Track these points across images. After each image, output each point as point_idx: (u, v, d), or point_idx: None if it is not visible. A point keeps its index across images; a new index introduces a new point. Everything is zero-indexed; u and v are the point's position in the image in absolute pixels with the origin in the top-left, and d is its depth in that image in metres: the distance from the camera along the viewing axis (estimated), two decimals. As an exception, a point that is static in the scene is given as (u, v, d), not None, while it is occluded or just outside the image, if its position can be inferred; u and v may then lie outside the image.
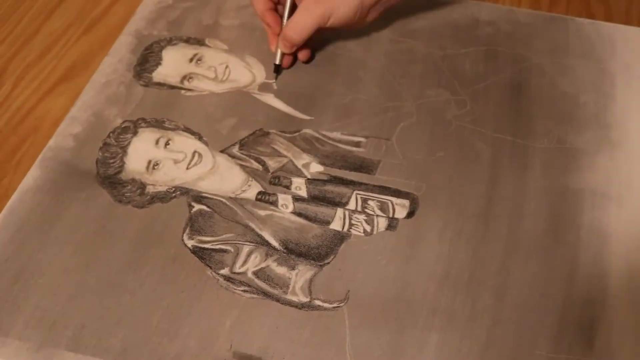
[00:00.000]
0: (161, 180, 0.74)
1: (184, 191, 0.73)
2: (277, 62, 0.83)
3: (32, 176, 0.74)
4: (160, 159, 0.76)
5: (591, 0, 0.97)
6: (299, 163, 0.76)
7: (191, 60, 0.86)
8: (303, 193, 0.73)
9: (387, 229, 0.70)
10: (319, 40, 0.87)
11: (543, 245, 0.69)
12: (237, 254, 0.68)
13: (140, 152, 0.76)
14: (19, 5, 0.97)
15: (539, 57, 0.86)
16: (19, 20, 0.95)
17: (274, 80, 0.84)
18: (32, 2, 0.97)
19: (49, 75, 0.88)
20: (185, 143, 0.77)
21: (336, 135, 0.78)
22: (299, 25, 0.80)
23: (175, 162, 0.75)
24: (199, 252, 0.68)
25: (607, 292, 0.66)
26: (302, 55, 0.84)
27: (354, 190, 0.73)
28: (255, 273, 0.67)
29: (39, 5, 0.97)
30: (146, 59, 0.86)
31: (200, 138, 0.78)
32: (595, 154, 0.76)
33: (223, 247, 0.69)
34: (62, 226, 0.71)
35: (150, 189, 0.73)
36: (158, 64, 0.86)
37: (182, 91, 0.83)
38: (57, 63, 0.89)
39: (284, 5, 0.83)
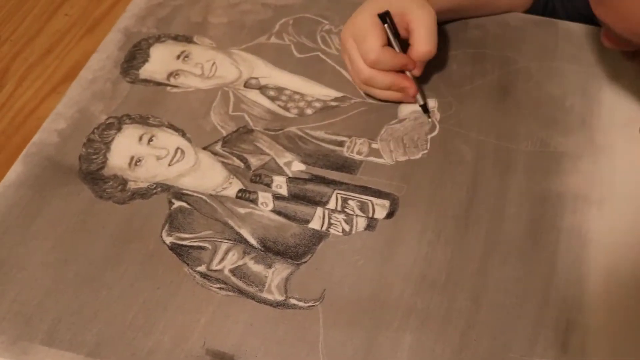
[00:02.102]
0: (143, 176, 0.74)
1: (164, 188, 0.73)
2: (422, 102, 0.81)
3: (15, 171, 0.75)
4: (143, 155, 0.76)
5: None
6: (281, 161, 0.76)
7: (178, 57, 0.86)
8: (284, 191, 0.73)
9: (365, 229, 0.70)
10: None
11: (522, 248, 0.69)
12: (214, 252, 0.68)
13: (123, 148, 0.77)
14: (22, 5, 0.97)
15: (526, 60, 0.86)
16: (22, 20, 0.95)
17: (429, 119, 0.81)
18: (35, 1, 0.98)
19: (51, 75, 0.88)
20: (168, 139, 0.77)
21: (320, 134, 0.79)
22: (431, 37, 0.79)
23: (158, 158, 0.76)
24: (177, 249, 0.69)
25: (584, 296, 0.66)
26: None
27: (334, 189, 0.73)
28: (231, 271, 0.67)
29: (42, 5, 0.97)
30: (134, 56, 0.87)
31: (183, 134, 0.78)
32: (579, 157, 0.76)
33: (201, 244, 0.69)
34: (42, 221, 0.71)
35: (131, 185, 0.73)
36: (145, 60, 0.86)
37: (168, 88, 0.83)
38: (59, 63, 0.89)
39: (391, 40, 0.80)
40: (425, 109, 0.81)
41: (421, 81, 0.83)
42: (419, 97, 0.80)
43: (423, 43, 0.78)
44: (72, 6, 0.97)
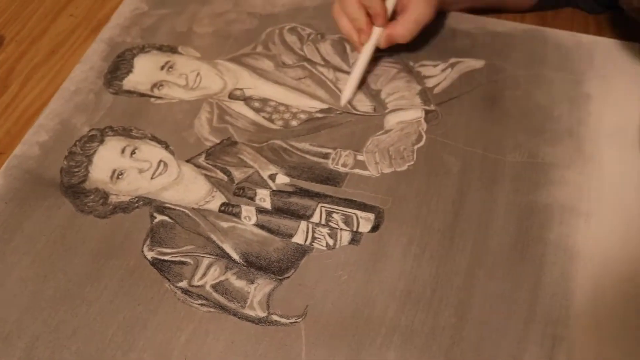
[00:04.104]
0: (125, 190, 0.73)
1: (146, 201, 0.72)
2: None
3: (-5, 184, 0.74)
4: (125, 168, 0.75)
5: (589, 19, 0.94)
6: (265, 174, 0.75)
7: (162, 67, 0.86)
8: (267, 205, 0.72)
9: (350, 243, 0.69)
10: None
11: (508, 262, 0.68)
12: (196, 267, 0.68)
13: (106, 161, 0.76)
14: (26, 5, 0.97)
15: (515, 68, 0.85)
16: (27, 21, 0.95)
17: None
18: (40, 2, 0.98)
19: (56, 75, 0.87)
20: (151, 152, 0.76)
21: (304, 146, 0.78)
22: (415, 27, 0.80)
23: (140, 171, 0.75)
24: (158, 264, 0.68)
25: (570, 310, 0.65)
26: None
27: (319, 202, 0.72)
28: (213, 286, 0.66)
29: (47, 5, 0.97)
30: (117, 67, 0.86)
31: (166, 147, 0.77)
32: (566, 168, 0.75)
33: (183, 259, 0.68)
34: (22, 236, 0.70)
35: (113, 199, 0.73)
36: (129, 71, 0.85)
37: (152, 99, 0.82)
38: (64, 63, 0.89)
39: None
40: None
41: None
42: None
43: (404, 27, 0.79)
44: (76, 6, 0.96)
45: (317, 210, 0.72)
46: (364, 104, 0.82)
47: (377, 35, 0.81)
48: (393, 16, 0.82)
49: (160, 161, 0.76)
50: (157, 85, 0.84)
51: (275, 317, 0.64)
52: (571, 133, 0.79)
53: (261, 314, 0.64)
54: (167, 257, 0.68)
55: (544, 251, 0.69)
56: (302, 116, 0.81)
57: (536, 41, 0.89)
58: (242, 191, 0.73)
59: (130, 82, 0.84)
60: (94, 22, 0.94)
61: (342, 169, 0.75)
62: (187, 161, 0.76)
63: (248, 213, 0.71)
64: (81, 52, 0.89)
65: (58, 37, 0.92)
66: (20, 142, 0.78)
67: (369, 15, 0.80)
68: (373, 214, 0.71)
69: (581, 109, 0.81)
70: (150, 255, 0.68)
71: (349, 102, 0.81)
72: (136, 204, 0.72)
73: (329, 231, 0.70)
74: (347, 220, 0.71)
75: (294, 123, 0.80)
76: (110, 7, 0.96)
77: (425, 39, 0.88)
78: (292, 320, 0.64)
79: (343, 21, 0.82)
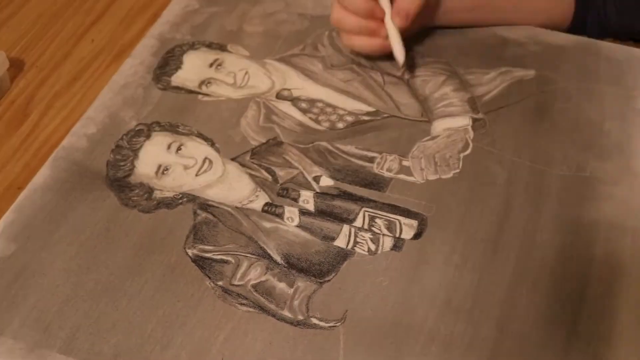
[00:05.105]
0: (169, 185, 0.74)
1: (190, 198, 0.73)
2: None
3: (42, 175, 0.75)
4: (170, 163, 0.75)
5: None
6: (310, 176, 0.75)
7: (211, 65, 0.86)
8: (310, 207, 0.72)
9: (392, 249, 0.69)
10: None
11: (552, 277, 0.67)
12: (237, 266, 0.68)
13: (151, 156, 0.76)
14: (48, 30, 0.95)
15: (565, 80, 0.84)
16: (48, 46, 0.93)
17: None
18: (62, 25, 0.95)
19: (78, 104, 0.85)
20: (197, 149, 0.77)
21: (350, 148, 0.77)
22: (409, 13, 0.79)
23: (185, 167, 0.75)
24: (200, 262, 0.68)
25: (614, 329, 0.64)
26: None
27: (362, 207, 0.72)
28: (254, 286, 0.66)
29: (68, 30, 0.95)
30: (167, 62, 0.86)
31: (212, 144, 0.77)
32: (615, 184, 0.74)
33: (224, 257, 0.68)
34: (67, 227, 0.71)
35: (157, 194, 0.73)
36: (178, 67, 0.86)
37: (199, 96, 0.83)
38: (86, 91, 0.87)
39: None
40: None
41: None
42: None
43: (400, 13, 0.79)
44: (99, 31, 0.94)
45: (360, 215, 0.71)
46: (411, 109, 0.81)
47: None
48: None
49: (206, 158, 0.76)
50: (205, 82, 0.84)
51: (314, 320, 0.64)
52: (621, 149, 0.77)
53: (300, 316, 0.64)
54: (208, 255, 0.68)
55: (588, 267, 0.68)
56: (349, 118, 0.80)
57: (588, 53, 0.88)
58: (286, 192, 0.73)
59: (179, 78, 0.85)
60: (116, 49, 0.92)
61: (386, 174, 0.75)
62: (232, 159, 0.76)
63: (291, 214, 0.71)
64: (104, 79, 0.87)
65: (80, 64, 0.90)
66: (69, 134, 0.78)
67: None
68: (416, 221, 0.71)
69: (632, 125, 0.80)
70: (191, 252, 0.68)
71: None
72: (180, 200, 0.72)
73: (371, 236, 0.70)
74: (390, 226, 0.70)
75: (340, 125, 0.80)
76: (135, 32, 0.94)
77: (476, 46, 0.87)
78: (331, 324, 0.64)
79: (354, 40, 0.83)
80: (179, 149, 0.77)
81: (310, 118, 0.81)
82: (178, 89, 0.84)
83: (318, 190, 0.74)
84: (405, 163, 0.76)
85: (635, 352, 0.62)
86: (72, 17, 0.96)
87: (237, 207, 0.72)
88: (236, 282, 0.66)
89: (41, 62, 0.91)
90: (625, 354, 0.62)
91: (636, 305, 0.65)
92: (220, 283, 0.66)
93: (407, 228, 0.70)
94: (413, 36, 0.87)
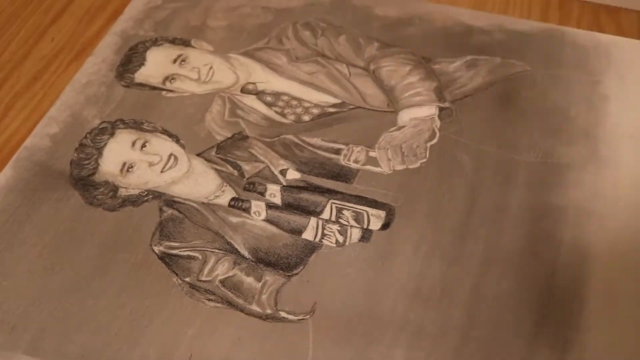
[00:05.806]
0: (134, 183, 0.73)
1: (156, 195, 0.72)
2: None
3: (5, 176, 0.74)
4: (135, 161, 0.74)
5: (601, 16, 0.93)
6: (276, 169, 0.74)
7: (175, 61, 0.85)
8: (277, 200, 0.71)
9: (360, 240, 0.69)
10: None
11: (520, 263, 0.67)
12: (204, 261, 0.67)
13: (116, 153, 0.75)
14: (7, 28, 0.93)
15: (531, 67, 0.84)
16: (7, 45, 0.91)
17: None
18: (21, 25, 0.93)
19: (39, 104, 0.84)
20: (162, 145, 0.76)
21: (316, 141, 0.77)
22: None
23: (150, 164, 0.74)
24: (166, 258, 0.67)
25: (582, 314, 0.64)
26: None
27: (329, 199, 0.71)
28: (221, 281, 0.66)
29: (28, 28, 0.93)
30: (130, 60, 0.85)
31: (177, 141, 0.77)
32: (582, 169, 0.74)
33: (191, 253, 0.67)
34: (31, 227, 0.70)
35: (122, 192, 0.72)
36: (141, 64, 0.85)
37: (164, 92, 0.82)
38: (47, 90, 0.85)
39: None
40: None
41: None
42: None
43: None
44: (59, 30, 0.93)
45: (328, 207, 0.71)
46: (377, 99, 0.81)
47: None
48: None
49: (171, 155, 0.75)
50: (169, 78, 0.83)
51: (283, 314, 0.64)
52: (587, 134, 0.77)
53: (269, 310, 0.64)
54: (175, 252, 0.68)
55: (557, 253, 0.68)
56: (315, 111, 0.80)
57: (554, 40, 0.88)
58: (253, 186, 0.73)
59: (142, 75, 0.84)
60: (77, 47, 0.90)
61: (353, 165, 0.74)
62: (198, 155, 0.75)
63: (258, 208, 0.71)
64: (66, 77, 0.85)
65: (41, 63, 0.89)
66: (31, 134, 0.77)
67: None
68: (384, 212, 0.71)
69: (598, 110, 0.80)
70: (158, 249, 0.68)
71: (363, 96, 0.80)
72: (145, 198, 0.72)
73: (339, 228, 0.69)
74: (358, 218, 0.70)
75: (306, 118, 0.79)
76: (96, 30, 0.93)
77: (441, 35, 0.87)
78: (300, 317, 0.63)
79: None
80: (143, 145, 0.76)
81: (275, 111, 0.80)
82: (142, 85, 0.83)
83: (285, 184, 0.73)
84: (372, 154, 0.76)
85: (603, 335, 0.62)
86: (30, 16, 0.95)
87: (203, 203, 0.71)
88: (204, 278, 0.66)
89: (0, 62, 0.89)
90: (594, 337, 0.62)
91: (604, 289, 0.65)
92: (187, 279, 0.66)
93: (375, 219, 0.70)
94: (378, 27, 0.87)
